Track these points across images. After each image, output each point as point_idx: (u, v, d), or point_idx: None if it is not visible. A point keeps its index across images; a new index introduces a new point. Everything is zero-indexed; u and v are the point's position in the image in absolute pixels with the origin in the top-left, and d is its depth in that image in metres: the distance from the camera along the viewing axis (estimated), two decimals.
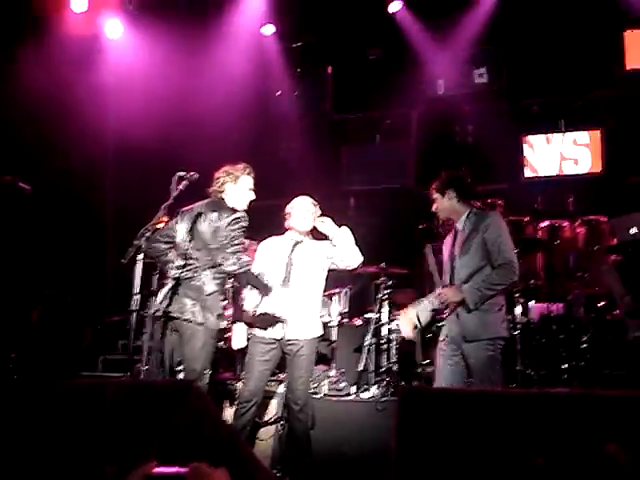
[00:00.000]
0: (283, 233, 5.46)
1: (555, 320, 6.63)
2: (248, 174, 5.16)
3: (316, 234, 5.39)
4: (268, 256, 5.29)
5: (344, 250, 5.12)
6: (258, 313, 5.12)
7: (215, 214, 4.93)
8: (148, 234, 4.60)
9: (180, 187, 4.72)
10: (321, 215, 5.34)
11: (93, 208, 9.68)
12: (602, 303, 7.11)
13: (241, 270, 4.84)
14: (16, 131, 8.23)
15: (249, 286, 5.16)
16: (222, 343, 6.25)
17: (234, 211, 4.98)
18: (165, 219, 4.90)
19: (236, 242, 4.82)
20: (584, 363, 6.20)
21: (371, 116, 10.58)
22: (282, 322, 5.01)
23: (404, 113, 10.38)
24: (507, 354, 6.55)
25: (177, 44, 9.33)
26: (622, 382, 5.33)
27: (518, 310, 6.57)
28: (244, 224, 4.92)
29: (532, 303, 6.89)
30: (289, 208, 5.40)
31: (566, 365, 6.39)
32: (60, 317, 6.96)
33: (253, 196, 5.18)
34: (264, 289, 5.06)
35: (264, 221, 9.89)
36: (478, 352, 4.57)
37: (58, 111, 8.50)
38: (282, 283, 5.09)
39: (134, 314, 4.79)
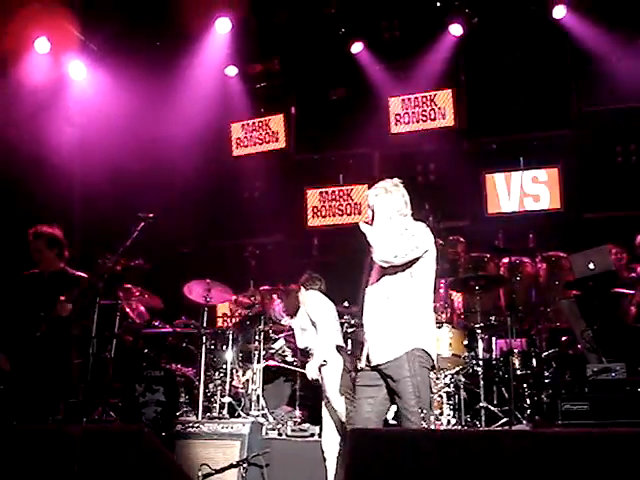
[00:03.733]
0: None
1: (517, 355, 6.66)
2: None
3: None
4: None
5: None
6: None
7: None
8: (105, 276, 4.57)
9: (138, 228, 4.71)
10: None
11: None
12: (564, 338, 7.19)
13: None
14: None
15: None
16: None
17: None
18: (122, 261, 4.88)
19: None
20: (546, 398, 6.24)
21: (334, 156, 10.65)
22: None
23: (367, 153, 10.48)
24: (471, 391, 6.60)
25: (140, 85, 9.39)
26: (584, 416, 5.34)
27: (480, 346, 6.60)
28: None
29: (494, 339, 6.94)
30: None
31: (528, 401, 6.42)
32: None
33: None
34: None
35: (230, 261, 9.98)
36: None
37: (22, 152, 8.44)
38: None
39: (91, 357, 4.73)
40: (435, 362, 4.42)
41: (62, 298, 5.58)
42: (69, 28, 9.41)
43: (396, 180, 4.74)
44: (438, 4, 9.61)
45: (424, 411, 4.06)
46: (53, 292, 5.74)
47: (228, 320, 8.13)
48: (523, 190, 9.39)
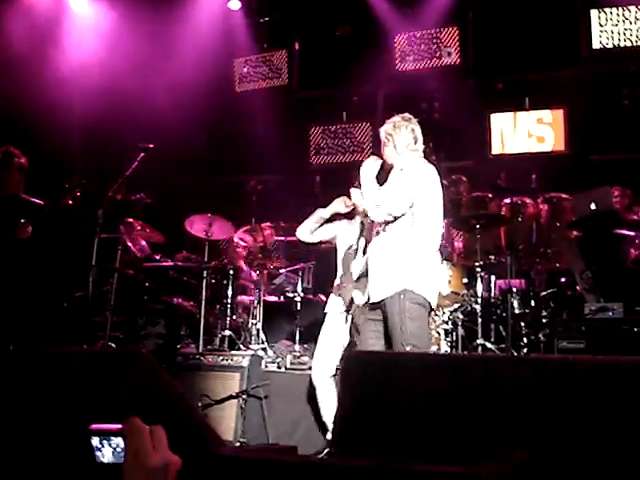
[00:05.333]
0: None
1: (516, 295, 6.69)
2: None
3: None
4: None
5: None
6: None
7: None
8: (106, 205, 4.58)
9: (138, 159, 4.70)
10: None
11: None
12: (564, 279, 7.21)
13: None
14: None
15: None
16: None
17: None
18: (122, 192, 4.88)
19: None
20: (543, 337, 6.29)
21: (338, 93, 10.55)
22: None
23: (371, 91, 10.37)
24: (468, 328, 6.66)
25: (142, 19, 9.25)
26: (580, 354, 5.39)
27: (479, 285, 6.63)
28: None
29: (493, 278, 6.95)
30: None
31: (525, 340, 6.47)
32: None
33: None
34: None
35: (231, 196, 9.94)
36: None
37: (23, 84, 8.35)
38: None
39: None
40: (432, 303, 4.59)
41: (22, 221, 5.58)
42: None
43: (407, 115, 4.82)
44: None
45: (408, 345, 4.21)
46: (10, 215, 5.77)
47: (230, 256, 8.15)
48: (528, 131, 9.32)
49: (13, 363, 2.83)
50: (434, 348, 6.23)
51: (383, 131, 4.80)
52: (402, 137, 4.70)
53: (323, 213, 5.63)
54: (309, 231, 5.73)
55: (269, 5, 10.59)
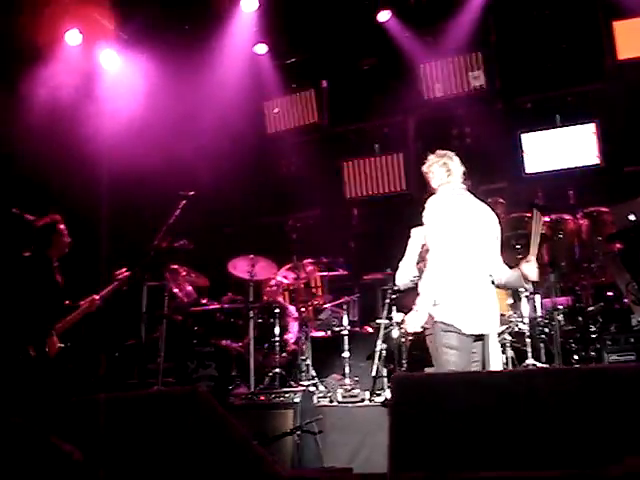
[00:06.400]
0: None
1: (563, 312, 6.66)
2: None
3: None
4: None
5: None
6: None
7: None
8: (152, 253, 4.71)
9: (180, 207, 4.83)
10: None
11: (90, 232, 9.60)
12: (610, 293, 7.15)
13: None
14: (17, 162, 8.32)
15: None
16: None
17: None
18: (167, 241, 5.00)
19: None
20: (593, 352, 6.24)
21: (369, 126, 10.66)
22: None
23: (401, 121, 10.47)
24: (517, 349, 6.62)
25: (172, 70, 9.46)
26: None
27: (525, 305, 6.61)
28: None
29: (538, 297, 6.91)
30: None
31: (576, 357, 6.42)
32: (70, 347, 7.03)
33: None
34: None
35: (272, 237, 10.08)
36: None
37: (57, 142, 8.58)
38: None
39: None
40: (464, 325, 4.61)
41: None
42: (99, 18, 9.50)
43: (440, 151, 5.05)
44: None
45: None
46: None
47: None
48: (560, 148, 9.32)
49: (74, 410, 2.91)
50: None
51: (423, 171, 5.09)
52: (436, 174, 4.97)
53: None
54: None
55: (294, 46, 10.77)
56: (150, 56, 9.69)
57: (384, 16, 9.97)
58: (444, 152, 5.05)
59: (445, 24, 9.70)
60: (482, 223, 4.89)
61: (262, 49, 10.58)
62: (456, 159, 5.03)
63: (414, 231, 5.59)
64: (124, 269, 5.81)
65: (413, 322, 4.64)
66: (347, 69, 10.68)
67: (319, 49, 10.61)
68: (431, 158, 5.04)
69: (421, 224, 4.95)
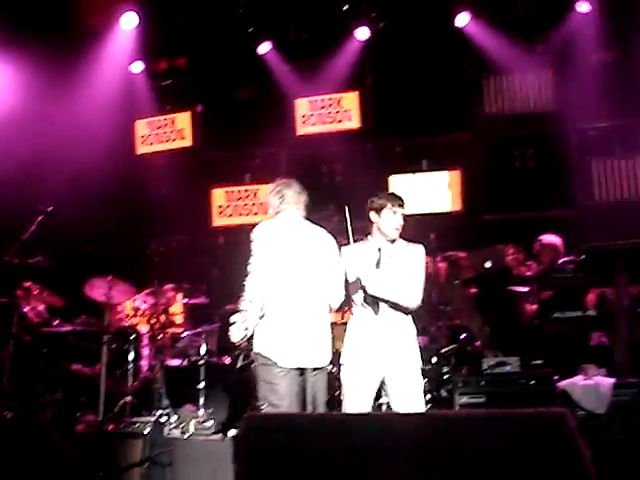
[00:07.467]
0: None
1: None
2: None
3: None
4: None
5: None
6: None
7: None
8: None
9: (36, 222, 4.61)
10: None
11: None
12: (463, 335, 7.38)
13: None
14: None
15: None
16: None
17: None
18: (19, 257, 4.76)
19: None
20: (445, 392, 6.39)
21: (241, 155, 10.63)
22: None
23: (274, 153, 10.50)
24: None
25: (42, 81, 9.16)
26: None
27: None
28: None
29: None
30: None
31: (428, 396, 6.55)
32: None
33: None
34: None
35: (133, 259, 9.78)
36: None
37: None
38: None
39: None
40: (280, 358, 4.42)
41: None
42: None
43: (279, 180, 5.02)
44: (345, 7, 9.76)
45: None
46: None
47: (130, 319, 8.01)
48: (425, 192, 9.61)
49: None
50: None
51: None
52: (271, 202, 4.92)
53: None
54: None
55: (172, 68, 10.66)
56: (19, 67, 9.33)
57: (264, 48, 10.05)
58: (285, 180, 4.98)
59: (323, 62, 9.92)
60: (315, 250, 4.74)
61: (138, 67, 10.40)
62: (296, 187, 4.92)
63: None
64: None
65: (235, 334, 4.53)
66: (224, 96, 10.65)
67: (197, 73, 10.55)
68: (270, 187, 5.01)
69: None
